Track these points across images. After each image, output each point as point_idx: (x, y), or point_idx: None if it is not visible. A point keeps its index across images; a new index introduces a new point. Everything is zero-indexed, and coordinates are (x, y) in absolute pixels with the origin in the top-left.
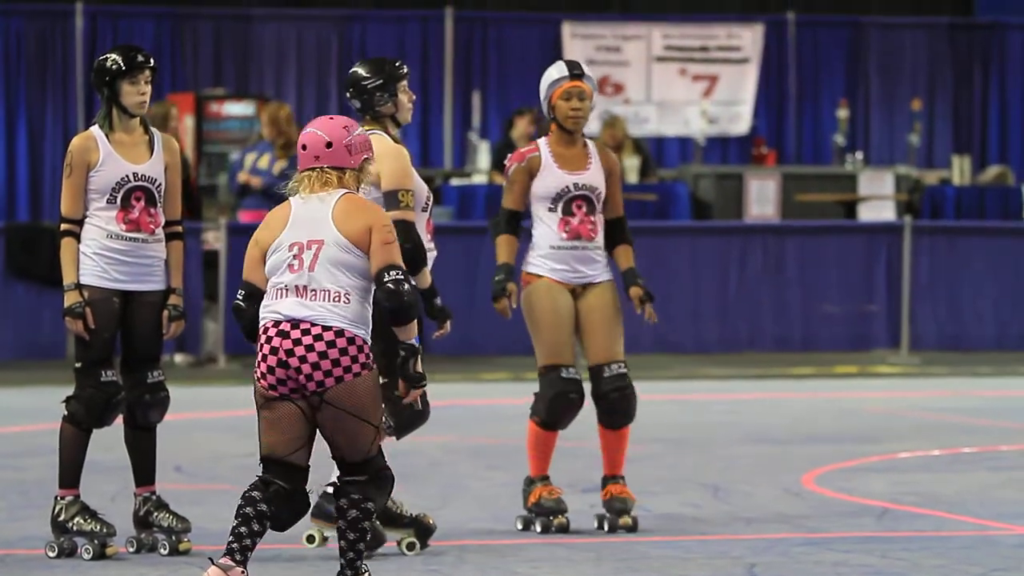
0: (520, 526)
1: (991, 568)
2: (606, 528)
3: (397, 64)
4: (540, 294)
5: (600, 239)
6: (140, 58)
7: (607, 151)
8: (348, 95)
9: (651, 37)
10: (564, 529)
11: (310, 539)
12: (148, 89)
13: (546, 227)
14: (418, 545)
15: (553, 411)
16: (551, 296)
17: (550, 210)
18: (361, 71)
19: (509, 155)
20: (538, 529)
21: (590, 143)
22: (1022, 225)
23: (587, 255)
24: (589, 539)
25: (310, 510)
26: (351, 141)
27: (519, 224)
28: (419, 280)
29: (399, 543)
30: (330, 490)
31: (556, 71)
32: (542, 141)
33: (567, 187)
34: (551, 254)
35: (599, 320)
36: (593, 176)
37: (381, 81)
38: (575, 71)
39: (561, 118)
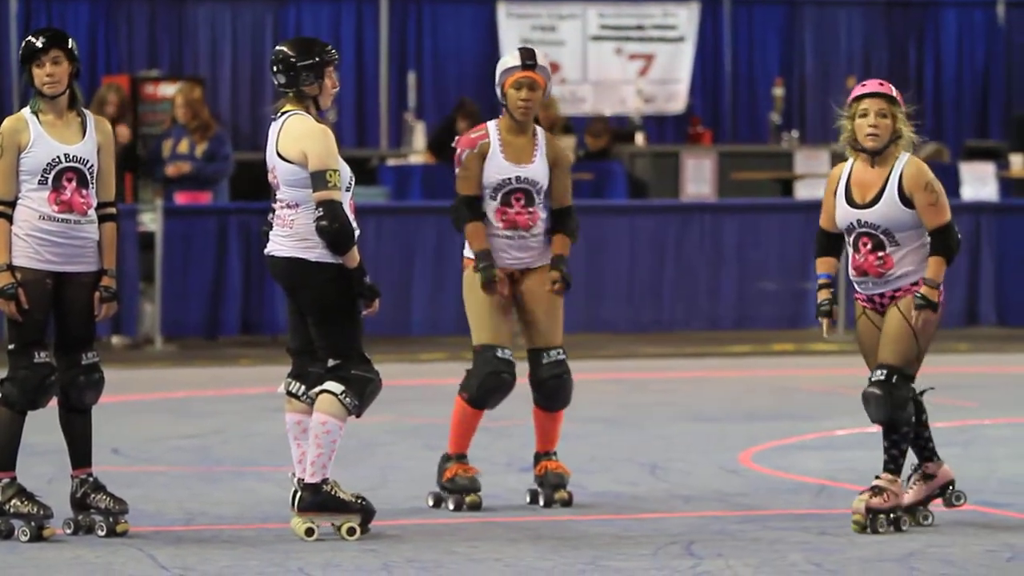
0: (431, 502)
1: (927, 544)
2: (541, 503)
3: (329, 48)
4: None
5: (539, 227)
6: (41, 41)
7: (555, 142)
8: (274, 70)
9: (586, 16)
10: (476, 507)
11: (309, 532)
12: (57, 70)
13: (486, 219)
14: (359, 531)
15: (484, 388)
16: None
17: (490, 198)
18: (290, 49)
19: (457, 138)
20: (451, 507)
21: (540, 132)
22: (958, 202)
23: (523, 243)
24: (527, 517)
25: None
26: None
27: (481, 208)
28: (347, 259)
29: (339, 527)
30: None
31: (511, 59)
32: (491, 125)
33: (509, 179)
34: (489, 241)
35: (539, 305)
36: (536, 170)
37: (310, 62)
38: (528, 61)
39: (511, 107)
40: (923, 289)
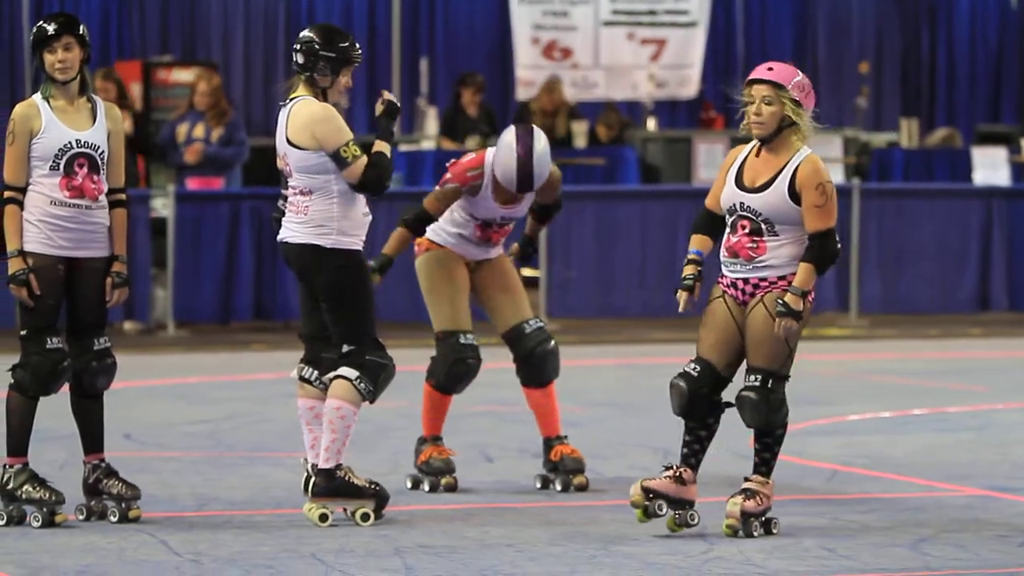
0: (409, 484)
1: (940, 529)
2: (558, 488)
3: (355, 48)
4: (438, 263)
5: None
6: (52, 27)
7: (551, 178)
8: (296, 48)
9: (598, 1)
10: (452, 489)
11: (323, 517)
12: (68, 56)
13: (465, 222)
14: (372, 516)
15: (451, 376)
16: (448, 265)
17: (473, 219)
18: (317, 35)
19: (454, 161)
20: (426, 488)
21: None
22: (969, 187)
23: (489, 248)
24: (538, 503)
25: (311, 492)
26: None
27: (425, 228)
28: (388, 149)
29: (353, 513)
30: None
31: (507, 178)
32: (489, 162)
33: (495, 218)
34: (457, 237)
35: (501, 289)
36: (522, 208)
37: (331, 55)
38: (523, 190)
39: (497, 197)
40: (787, 296)
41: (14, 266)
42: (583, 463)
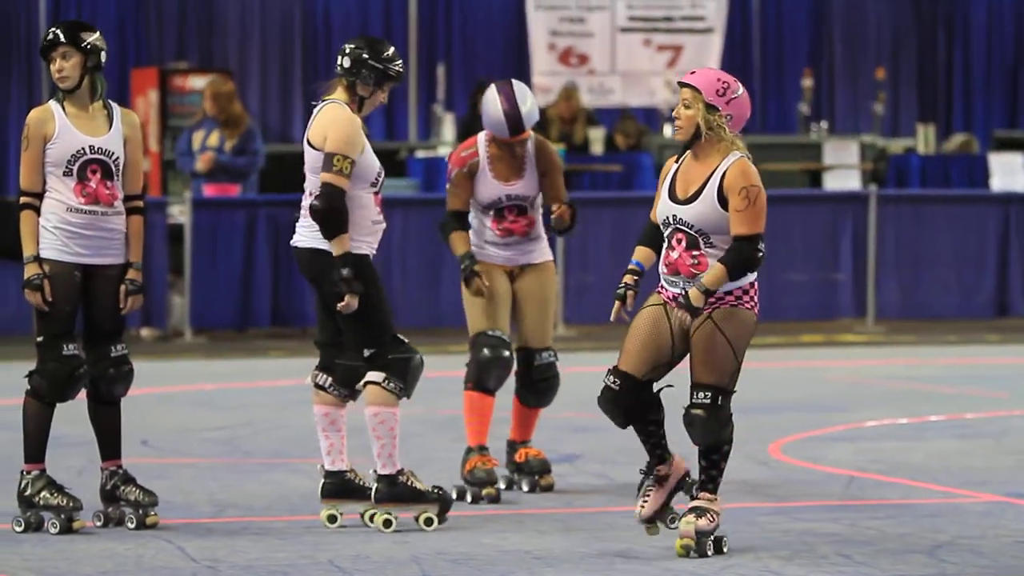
0: (455, 495)
1: (957, 535)
2: (525, 488)
3: (400, 68)
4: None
5: (536, 230)
6: (50, 36)
7: (546, 149)
8: (346, 50)
9: (615, 7)
10: (495, 500)
11: (331, 519)
12: (65, 65)
13: (482, 223)
14: (436, 520)
15: (481, 366)
16: (487, 277)
17: (484, 211)
18: (368, 45)
19: (448, 153)
20: (468, 499)
21: (530, 142)
22: (987, 193)
23: (522, 248)
24: (556, 509)
25: (320, 492)
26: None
27: (466, 221)
28: (333, 245)
29: (417, 517)
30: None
31: (498, 125)
32: (482, 140)
33: (500, 198)
34: (488, 244)
35: (533, 304)
36: (527, 185)
37: (379, 67)
38: (516, 131)
39: (495, 147)
40: (691, 290)
41: (29, 271)
42: (548, 464)
